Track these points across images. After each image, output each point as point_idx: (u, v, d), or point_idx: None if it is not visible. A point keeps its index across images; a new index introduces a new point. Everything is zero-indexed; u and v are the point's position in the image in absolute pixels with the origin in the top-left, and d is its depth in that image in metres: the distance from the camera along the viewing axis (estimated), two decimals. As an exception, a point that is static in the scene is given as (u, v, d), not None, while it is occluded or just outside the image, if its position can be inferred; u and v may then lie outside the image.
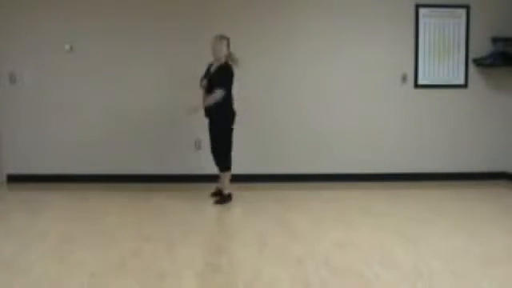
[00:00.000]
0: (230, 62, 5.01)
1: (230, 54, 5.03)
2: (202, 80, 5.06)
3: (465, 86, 6.24)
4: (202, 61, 5.16)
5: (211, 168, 5.25)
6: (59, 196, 5.41)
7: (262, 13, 6.02)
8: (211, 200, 5.11)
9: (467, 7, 6.17)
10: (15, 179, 6.08)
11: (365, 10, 6.08)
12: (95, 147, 6.07)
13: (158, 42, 6.00)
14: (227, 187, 5.11)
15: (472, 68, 6.22)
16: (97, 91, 6.04)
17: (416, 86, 6.21)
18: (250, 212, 4.77)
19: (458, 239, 3.93)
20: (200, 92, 5.09)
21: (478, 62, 6.16)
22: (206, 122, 5.03)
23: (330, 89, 6.13)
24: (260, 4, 6.03)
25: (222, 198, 5.08)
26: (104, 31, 5.98)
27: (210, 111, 4.99)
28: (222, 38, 4.98)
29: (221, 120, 5.01)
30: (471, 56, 6.20)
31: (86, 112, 6.06)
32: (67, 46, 5.95)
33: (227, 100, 4.95)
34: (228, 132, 5.05)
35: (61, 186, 5.83)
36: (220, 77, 4.92)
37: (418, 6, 6.13)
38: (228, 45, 5.00)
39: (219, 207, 4.93)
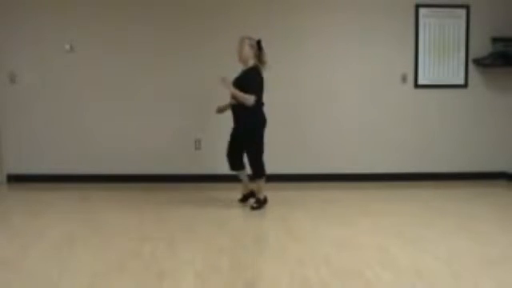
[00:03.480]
0: (259, 65, 4.74)
1: (260, 56, 4.75)
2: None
3: (465, 86, 6.25)
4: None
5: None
6: (59, 196, 5.41)
7: (264, 15, 6.03)
8: (241, 205, 4.88)
9: (467, 7, 6.17)
10: (15, 179, 6.08)
11: (365, 10, 6.08)
12: (95, 147, 6.07)
13: (157, 43, 6.00)
14: (262, 192, 4.92)
15: (472, 68, 6.22)
16: (96, 91, 6.04)
17: (416, 85, 6.21)
18: (250, 212, 4.78)
19: (458, 239, 3.93)
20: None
21: (478, 62, 6.16)
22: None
23: (330, 89, 6.13)
24: (262, 7, 6.04)
25: (258, 203, 4.87)
26: (104, 31, 5.98)
27: (238, 115, 4.75)
28: (243, 39, 4.73)
29: (249, 124, 4.72)
30: (471, 56, 6.20)
31: (86, 112, 6.06)
32: (67, 46, 5.96)
33: (256, 105, 4.68)
34: (258, 136, 4.79)
35: (61, 186, 5.84)
36: (249, 81, 4.65)
37: (418, 6, 6.13)
38: (252, 46, 4.71)
39: (219, 208, 4.93)
